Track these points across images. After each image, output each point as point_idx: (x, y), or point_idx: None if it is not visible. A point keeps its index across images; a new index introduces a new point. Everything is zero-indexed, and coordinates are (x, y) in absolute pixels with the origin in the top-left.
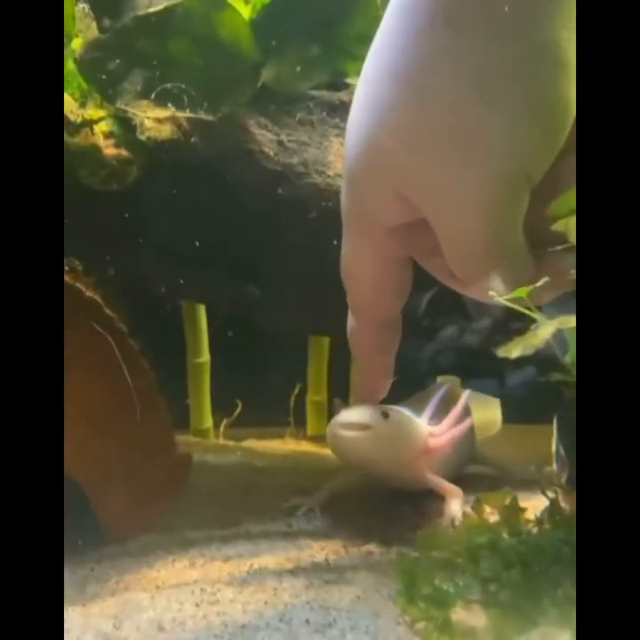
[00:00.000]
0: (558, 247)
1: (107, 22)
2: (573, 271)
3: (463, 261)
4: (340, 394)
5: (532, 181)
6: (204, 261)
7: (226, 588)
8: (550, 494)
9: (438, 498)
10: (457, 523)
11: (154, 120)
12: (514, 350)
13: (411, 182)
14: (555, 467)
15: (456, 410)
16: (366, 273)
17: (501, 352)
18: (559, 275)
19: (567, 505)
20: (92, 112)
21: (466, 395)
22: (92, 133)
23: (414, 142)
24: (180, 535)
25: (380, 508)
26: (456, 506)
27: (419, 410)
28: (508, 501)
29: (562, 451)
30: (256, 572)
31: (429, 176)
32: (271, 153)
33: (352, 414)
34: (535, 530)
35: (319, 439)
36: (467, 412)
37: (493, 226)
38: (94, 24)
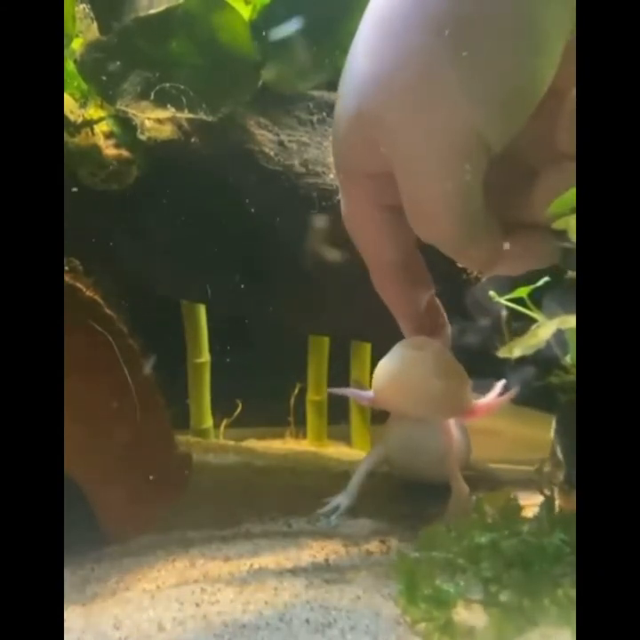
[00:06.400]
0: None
1: (108, 24)
2: (573, 272)
3: (416, 217)
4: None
5: (488, 149)
6: (203, 261)
7: (226, 587)
8: (546, 492)
9: (440, 499)
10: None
11: (154, 120)
12: (515, 350)
13: (381, 131)
14: (552, 467)
15: (497, 387)
16: (359, 220)
17: (502, 353)
18: (529, 250)
19: (565, 504)
20: (92, 112)
21: (503, 381)
22: (93, 134)
23: (386, 91)
24: (180, 535)
25: (380, 508)
26: (459, 506)
27: None
28: (508, 502)
29: (559, 451)
30: (256, 572)
31: (394, 126)
32: (271, 153)
33: (420, 337)
34: (534, 528)
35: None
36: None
37: (446, 185)
38: (95, 25)
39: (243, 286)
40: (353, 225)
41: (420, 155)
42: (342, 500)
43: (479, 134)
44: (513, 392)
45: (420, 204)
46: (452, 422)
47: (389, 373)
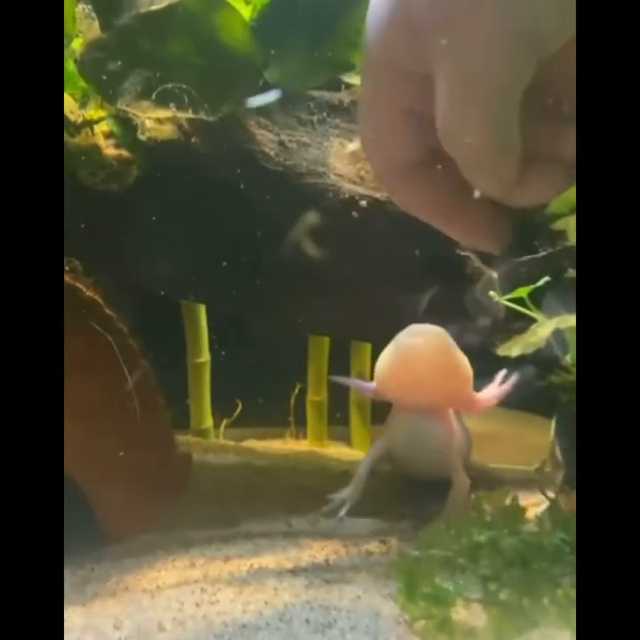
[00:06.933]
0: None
1: (109, 22)
2: (573, 271)
3: (446, 121)
4: (339, 394)
5: (539, 51)
6: (204, 261)
7: (226, 587)
8: (550, 494)
9: (441, 498)
10: (453, 517)
11: (154, 120)
12: (514, 349)
13: (424, 22)
14: (552, 467)
15: (498, 378)
16: (378, 118)
17: (502, 351)
18: (543, 184)
19: (565, 504)
20: (92, 112)
21: (503, 371)
22: (93, 134)
23: None
24: (180, 535)
25: (380, 508)
26: (460, 498)
27: None
28: (508, 501)
29: (559, 452)
30: (256, 572)
31: (440, 17)
32: (272, 153)
33: (422, 325)
34: (535, 529)
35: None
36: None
37: (487, 86)
38: (95, 24)
39: (243, 286)
40: (370, 124)
41: (465, 52)
42: (348, 494)
43: (531, 32)
44: (513, 379)
45: (455, 106)
46: (452, 415)
47: (391, 363)
